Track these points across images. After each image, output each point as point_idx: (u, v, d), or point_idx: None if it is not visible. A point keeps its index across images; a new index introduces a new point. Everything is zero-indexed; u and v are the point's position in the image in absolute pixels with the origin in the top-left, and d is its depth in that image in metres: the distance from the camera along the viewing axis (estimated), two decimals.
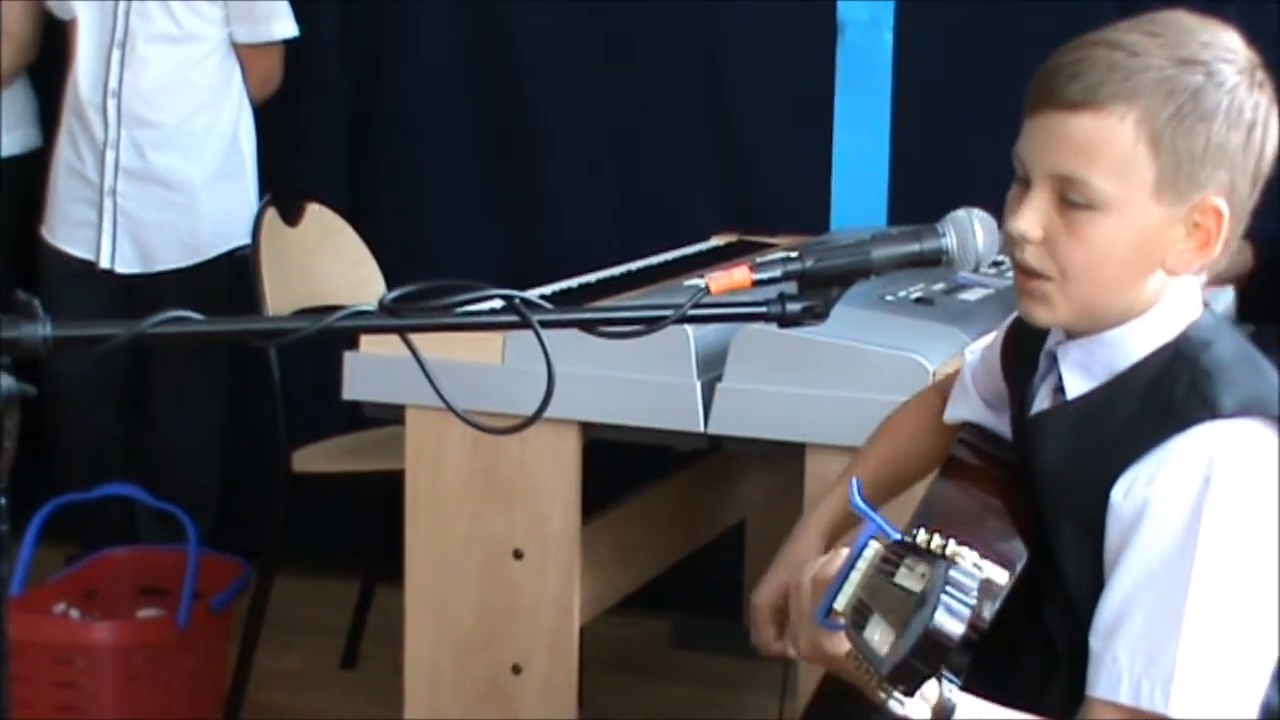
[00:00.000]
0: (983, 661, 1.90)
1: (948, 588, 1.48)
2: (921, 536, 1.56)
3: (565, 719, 3.10)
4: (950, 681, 1.69)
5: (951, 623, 1.48)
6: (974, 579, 1.50)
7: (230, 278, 4.30)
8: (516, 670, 3.10)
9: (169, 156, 4.24)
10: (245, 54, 4.33)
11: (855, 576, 1.64)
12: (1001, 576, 1.56)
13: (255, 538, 4.06)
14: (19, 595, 3.73)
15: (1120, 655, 1.69)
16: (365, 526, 4.28)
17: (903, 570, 1.56)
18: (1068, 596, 1.80)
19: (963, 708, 1.69)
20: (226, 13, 4.25)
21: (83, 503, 3.96)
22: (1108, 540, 1.74)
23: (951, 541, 1.54)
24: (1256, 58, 1.79)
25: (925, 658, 1.49)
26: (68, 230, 4.32)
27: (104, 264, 4.26)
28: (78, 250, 4.29)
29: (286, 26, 4.35)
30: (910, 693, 1.55)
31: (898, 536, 1.61)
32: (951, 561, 1.51)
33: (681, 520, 3.66)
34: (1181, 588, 1.68)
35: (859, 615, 1.60)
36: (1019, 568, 1.85)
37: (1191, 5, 1.82)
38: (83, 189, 4.28)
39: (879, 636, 1.54)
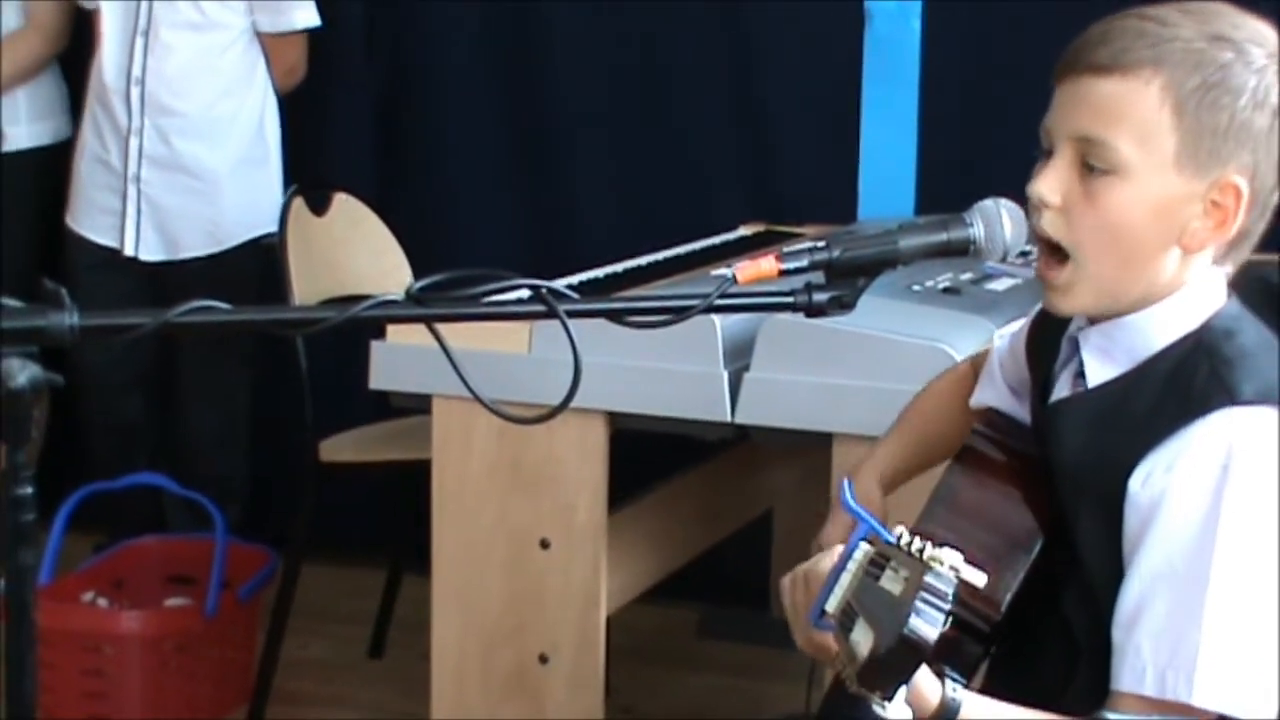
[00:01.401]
0: (1004, 653, 1.90)
1: (922, 593, 1.50)
2: (905, 538, 1.57)
3: (592, 708, 3.11)
4: (954, 681, 1.69)
5: (926, 629, 1.49)
6: (949, 584, 1.51)
7: (256, 266, 4.31)
8: (543, 660, 3.10)
9: (193, 144, 4.25)
10: (269, 43, 4.33)
11: (845, 579, 1.65)
12: (980, 579, 1.56)
13: (282, 527, 4.07)
14: (47, 584, 3.74)
15: (1143, 646, 1.69)
16: (392, 516, 4.29)
17: (888, 573, 1.57)
18: (1087, 586, 1.80)
19: (968, 707, 1.69)
20: (250, 3, 4.25)
21: (110, 492, 3.97)
22: (1126, 529, 1.74)
23: (929, 545, 1.54)
24: None
25: (901, 662, 1.51)
26: (92, 218, 4.34)
27: (128, 251, 4.27)
28: (102, 238, 4.31)
29: (308, 15, 4.35)
30: (887, 696, 1.56)
31: (889, 538, 1.61)
32: (928, 566, 1.52)
33: (708, 510, 3.66)
34: (1202, 576, 1.67)
35: (847, 617, 1.61)
36: (1034, 555, 1.85)
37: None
38: (107, 176, 4.29)
39: (862, 640, 1.56)
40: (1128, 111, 1.73)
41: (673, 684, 4.12)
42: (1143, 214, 1.75)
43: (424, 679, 3.21)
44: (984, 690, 1.92)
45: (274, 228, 4.29)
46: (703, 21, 4.47)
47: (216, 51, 4.24)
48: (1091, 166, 1.76)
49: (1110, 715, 1.60)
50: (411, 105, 4.74)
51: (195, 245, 4.28)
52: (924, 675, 1.68)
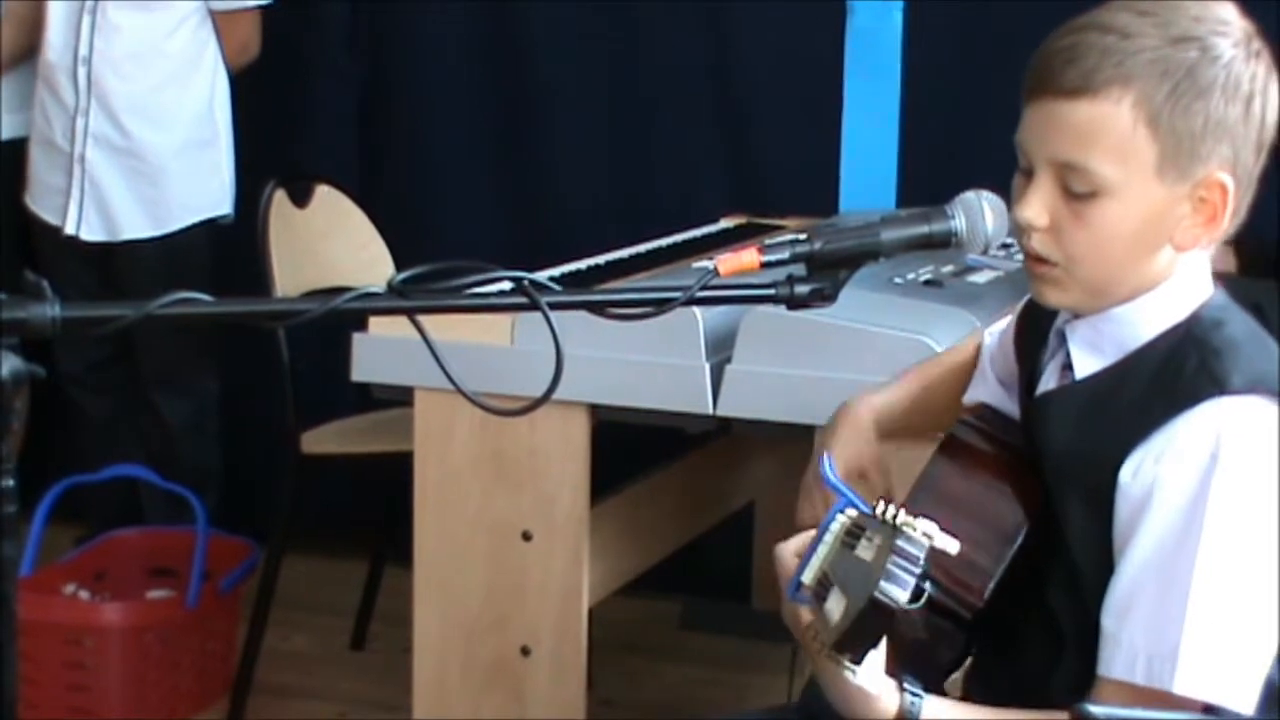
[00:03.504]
0: (989, 645, 1.91)
1: (893, 556, 1.52)
2: (879, 508, 1.58)
3: (573, 700, 3.11)
4: (910, 692, 1.70)
5: (896, 590, 1.51)
6: (920, 548, 1.53)
7: (207, 250, 4.31)
8: (525, 651, 3.10)
9: (139, 125, 4.22)
10: (221, 21, 4.30)
11: (821, 550, 1.67)
12: (953, 546, 1.57)
13: (264, 519, 4.07)
14: (28, 576, 3.74)
15: (1135, 635, 1.70)
16: (374, 508, 4.28)
17: (863, 542, 1.59)
18: (1073, 577, 1.80)
19: (928, 708, 1.70)
20: None
21: (91, 484, 3.97)
22: (1117, 520, 1.74)
23: (903, 511, 1.56)
24: (1252, 26, 1.78)
25: (871, 624, 1.53)
26: (43, 197, 4.34)
27: (69, 230, 4.26)
28: (51, 217, 4.31)
29: None
30: (857, 660, 1.58)
31: (865, 509, 1.62)
32: (900, 531, 1.53)
33: (690, 502, 3.66)
34: (1188, 565, 1.68)
35: (822, 587, 1.63)
36: (1018, 543, 1.86)
37: None
38: (54, 156, 4.28)
39: (835, 607, 1.57)
40: (1103, 134, 1.73)
41: (654, 675, 4.13)
42: (1131, 227, 1.76)
43: (406, 671, 3.21)
44: (968, 679, 1.93)
45: (226, 210, 4.30)
46: (685, 14, 4.47)
47: (164, 32, 4.21)
48: (1075, 188, 1.76)
49: (1092, 708, 1.60)
50: (394, 97, 4.73)
51: (136, 227, 4.25)
52: (884, 686, 1.69)
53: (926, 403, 2.25)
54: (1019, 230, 1.81)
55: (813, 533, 1.71)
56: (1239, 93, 1.74)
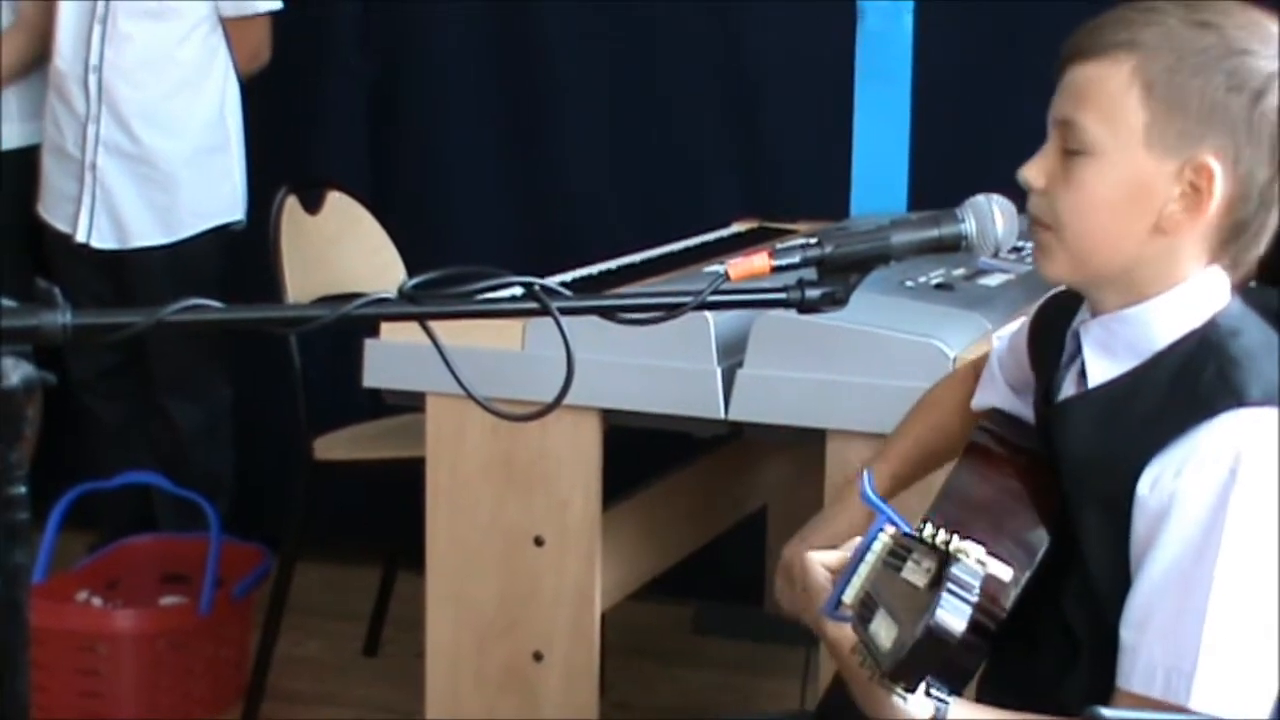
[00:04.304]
0: (1003, 650, 1.90)
1: (950, 585, 1.48)
2: (928, 530, 1.56)
3: (587, 705, 3.11)
4: (937, 697, 1.69)
5: (953, 620, 1.47)
6: (976, 576, 1.50)
7: (218, 256, 4.32)
8: (538, 657, 3.10)
9: (150, 133, 4.24)
10: (231, 27, 4.31)
11: (864, 569, 1.65)
12: (1006, 573, 1.56)
13: (276, 525, 4.07)
14: (41, 583, 3.75)
15: (1154, 648, 1.69)
16: (386, 513, 4.28)
17: (909, 564, 1.56)
18: (1088, 585, 1.80)
19: (954, 712, 1.69)
20: None
21: (104, 491, 3.97)
22: (1134, 532, 1.74)
23: (955, 537, 1.54)
24: None
25: (927, 655, 1.49)
26: (55, 205, 4.35)
27: (80, 237, 4.28)
28: (62, 225, 4.32)
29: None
30: (911, 689, 1.55)
31: (907, 529, 1.60)
32: (955, 558, 1.51)
33: (702, 506, 3.66)
34: (1206, 579, 1.67)
35: (865, 609, 1.60)
36: (1040, 555, 1.85)
37: None
38: (66, 163, 4.30)
39: (884, 631, 1.54)
40: (1098, 93, 1.76)
41: (667, 680, 4.13)
42: (1114, 191, 1.77)
43: (419, 676, 3.21)
44: (981, 685, 1.92)
45: (237, 216, 4.31)
46: (697, 19, 4.47)
47: (175, 41, 4.23)
48: (1070, 148, 1.78)
49: (1103, 711, 1.60)
50: (405, 103, 4.74)
51: (147, 234, 4.27)
52: (917, 696, 1.68)
53: (930, 447, 2.27)
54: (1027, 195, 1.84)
55: (851, 546, 1.70)
56: (1246, 85, 1.73)
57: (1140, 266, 1.79)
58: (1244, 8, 1.78)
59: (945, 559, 1.51)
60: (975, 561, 1.51)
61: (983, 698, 1.91)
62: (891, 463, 2.26)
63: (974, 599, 1.48)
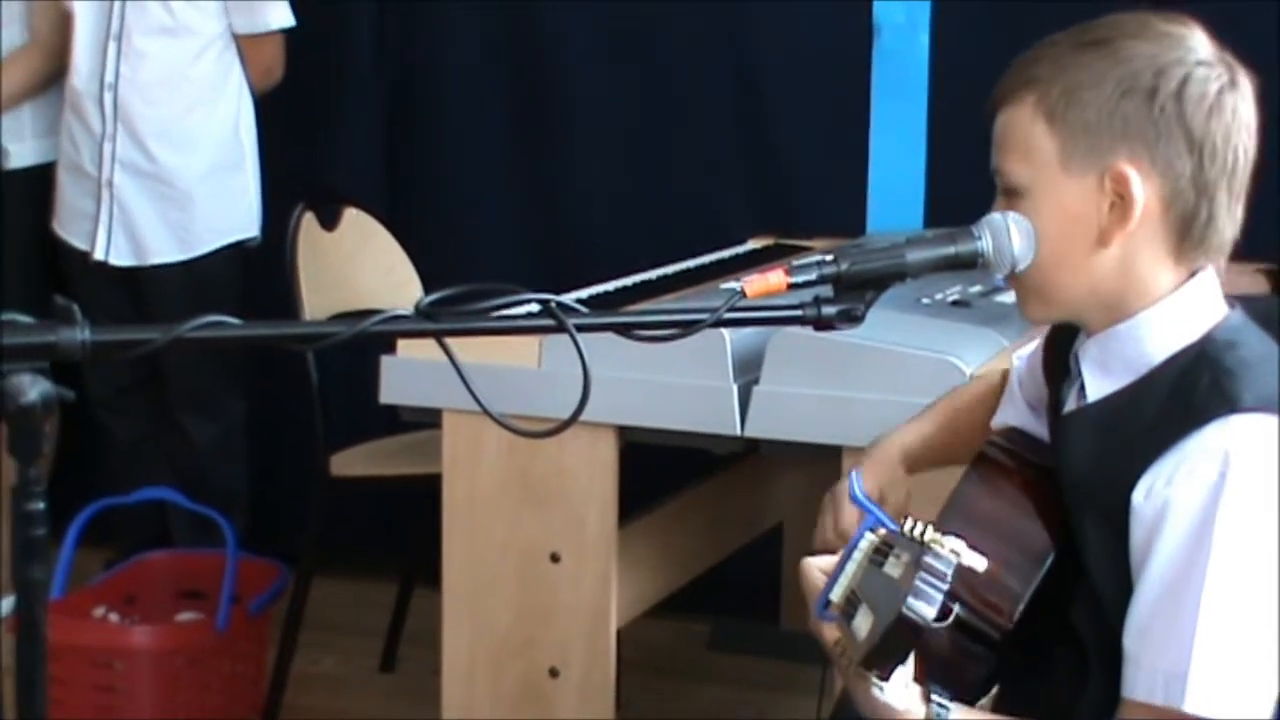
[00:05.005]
0: (1015, 666, 1.91)
1: (921, 573, 1.52)
2: (908, 525, 1.58)
3: None
4: (937, 702, 1.70)
5: (923, 606, 1.52)
6: (949, 565, 1.53)
7: (235, 272, 4.33)
8: (554, 673, 3.10)
9: (166, 150, 4.25)
10: (244, 44, 4.32)
11: (850, 568, 1.69)
12: (980, 563, 1.58)
13: (293, 541, 4.08)
14: (59, 599, 3.75)
15: (1154, 656, 1.70)
16: (403, 529, 4.29)
17: (890, 559, 1.60)
18: (1095, 597, 1.80)
19: (955, 713, 1.70)
20: (224, 5, 4.25)
21: (121, 507, 3.98)
22: (1132, 542, 1.74)
23: (930, 528, 1.57)
24: (1225, 55, 1.80)
25: (898, 640, 1.54)
26: (71, 223, 4.37)
27: (97, 255, 4.29)
28: (79, 242, 4.33)
29: (283, 15, 4.34)
30: (885, 676, 1.59)
31: (893, 527, 1.63)
32: (927, 547, 1.54)
33: (718, 523, 3.66)
34: (1198, 583, 1.68)
35: (850, 606, 1.64)
36: (1047, 566, 1.86)
37: (1217, 6, 1.82)
38: (82, 181, 4.31)
39: (863, 624, 1.58)
40: (1012, 135, 1.82)
41: (683, 696, 4.12)
42: (1050, 223, 1.81)
43: (435, 693, 3.21)
44: (996, 700, 1.93)
45: (253, 232, 4.32)
46: (712, 35, 4.48)
47: (189, 58, 4.24)
48: (1005, 195, 1.83)
49: None
50: (421, 120, 4.75)
51: (164, 251, 4.28)
52: (911, 699, 1.69)
53: (955, 433, 2.27)
54: None
55: (839, 551, 1.72)
56: (1136, 87, 1.76)
57: (1103, 284, 1.81)
58: (1138, 16, 1.82)
59: (920, 549, 1.55)
60: (949, 551, 1.55)
61: (998, 713, 1.92)
62: (910, 437, 2.27)
63: (945, 586, 1.52)
